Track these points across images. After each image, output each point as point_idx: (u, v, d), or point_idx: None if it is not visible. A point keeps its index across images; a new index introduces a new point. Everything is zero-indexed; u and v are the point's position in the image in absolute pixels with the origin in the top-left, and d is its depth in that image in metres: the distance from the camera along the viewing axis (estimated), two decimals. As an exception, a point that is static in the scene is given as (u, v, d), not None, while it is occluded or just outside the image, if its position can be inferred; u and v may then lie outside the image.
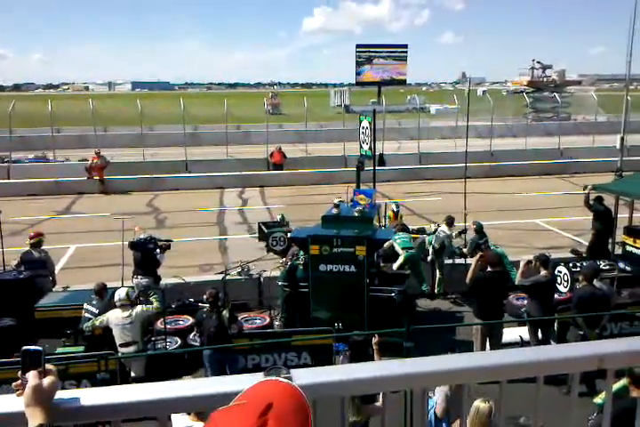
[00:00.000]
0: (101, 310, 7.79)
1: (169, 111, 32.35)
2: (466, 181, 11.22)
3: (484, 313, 7.92)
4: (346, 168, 21.38)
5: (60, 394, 1.26)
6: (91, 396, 1.28)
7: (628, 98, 20.31)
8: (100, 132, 28.98)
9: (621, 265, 10.53)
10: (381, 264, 10.21)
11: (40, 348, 1.28)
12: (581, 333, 7.57)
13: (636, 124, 26.96)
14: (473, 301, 8.61)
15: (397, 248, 10.32)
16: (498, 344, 7.74)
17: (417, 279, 10.46)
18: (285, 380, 1.11)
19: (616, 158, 20.34)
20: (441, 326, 8.95)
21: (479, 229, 10.86)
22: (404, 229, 11.07)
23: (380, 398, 4.78)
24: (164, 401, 1.28)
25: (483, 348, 7.68)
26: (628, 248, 10.93)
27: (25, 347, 1.27)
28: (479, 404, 4.21)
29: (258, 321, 9.42)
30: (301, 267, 9.27)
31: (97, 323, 7.49)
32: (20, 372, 1.27)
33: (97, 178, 20.82)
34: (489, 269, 7.88)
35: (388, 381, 1.31)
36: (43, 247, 9.90)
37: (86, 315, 7.93)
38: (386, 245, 10.05)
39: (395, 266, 10.24)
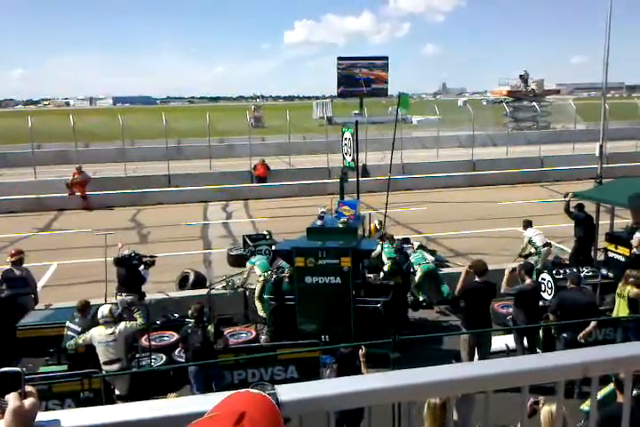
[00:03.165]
0: (84, 327, 7.68)
1: (151, 125, 32.21)
2: (388, 195, 10.63)
3: (472, 323, 7.93)
4: (330, 180, 21.43)
5: (41, 416, 1.24)
6: (72, 417, 1.25)
7: (606, 106, 20.66)
8: (81, 147, 28.77)
9: (604, 271, 10.62)
10: (367, 275, 10.23)
11: (19, 369, 1.25)
12: (565, 335, 7.63)
13: (614, 131, 27.38)
14: (461, 311, 8.62)
15: (384, 257, 10.41)
16: (487, 354, 7.74)
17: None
18: (255, 390, 1.14)
19: (595, 166, 20.66)
20: (428, 337, 8.94)
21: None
22: (391, 239, 11.24)
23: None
24: (148, 421, 1.26)
25: (470, 358, 7.67)
26: (610, 254, 11.02)
27: (3, 369, 1.24)
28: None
29: (244, 335, 9.36)
30: (287, 280, 9.25)
31: (80, 341, 7.37)
32: (-2, 395, 1.24)
33: (79, 194, 20.67)
34: (477, 279, 7.90)
35: (373, 394, 1.30)
36: (24, 265, 9.77)
37: (69, 333, 7.82)
38: (374, 253, 10.12)
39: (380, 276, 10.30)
